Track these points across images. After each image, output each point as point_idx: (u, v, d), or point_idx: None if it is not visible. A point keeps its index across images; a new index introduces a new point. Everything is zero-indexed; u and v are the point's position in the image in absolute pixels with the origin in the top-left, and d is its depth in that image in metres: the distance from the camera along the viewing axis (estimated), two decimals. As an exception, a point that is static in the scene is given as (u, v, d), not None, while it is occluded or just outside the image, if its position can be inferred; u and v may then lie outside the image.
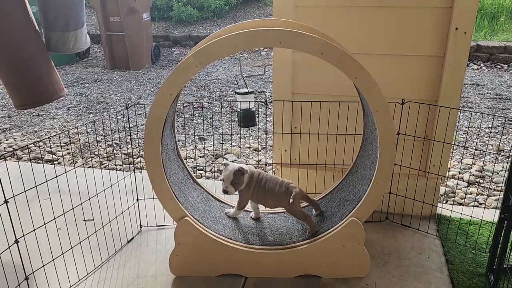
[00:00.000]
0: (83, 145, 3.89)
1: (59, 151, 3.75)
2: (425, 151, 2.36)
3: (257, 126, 3.69)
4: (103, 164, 3.50)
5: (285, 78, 2.38)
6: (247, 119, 2.37)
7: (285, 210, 2.06)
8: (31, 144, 1.90)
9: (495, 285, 1.83)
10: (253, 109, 2.39)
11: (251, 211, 2.17)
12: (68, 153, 3.72)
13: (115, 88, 5.85)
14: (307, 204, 2.16)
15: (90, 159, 3.61)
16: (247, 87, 2.37)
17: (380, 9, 2.17)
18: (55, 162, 3.54)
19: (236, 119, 4.45)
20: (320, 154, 2.46)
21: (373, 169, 1.85)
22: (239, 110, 2.33)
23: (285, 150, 2.53)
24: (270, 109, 4.54)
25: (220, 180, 1.97)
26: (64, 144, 3.89)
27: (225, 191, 1.96)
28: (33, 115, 4.77)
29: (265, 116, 4.31)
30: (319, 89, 2.36)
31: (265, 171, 2.09)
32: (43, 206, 2.27)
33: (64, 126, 4.46)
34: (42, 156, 3.63)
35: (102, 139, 4.04)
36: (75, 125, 4.46)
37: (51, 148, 3.79)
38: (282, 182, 1.99)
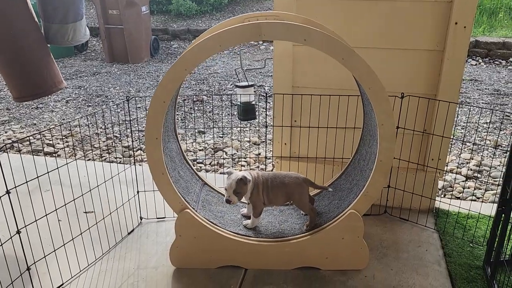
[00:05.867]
0: (82, 138, 3.89)
1: (58, 143, 3.76)
2: (424, 145, 2.38)
3: (257, 120, 3.71)
4: (102, 156, 3.50)
5: (285, 71, 2.39)
6: (247, 112, 2.38)
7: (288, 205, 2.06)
8: (30, 136, 1.90)
9: (492, 278, 1.85)
10: (253, 103, 2.40)
11: (244, 208, 2.16)
12: (67, 146, 3.72)
13: (114, 81, 5.84)
14: (318, 192, 2.17)
15: (90, 151, 3.61)
16: (247, 81, 2.37)
17: (380, 3, 2.17)
18: (54, 155, 3.54)
19: (235, 112, 4.45)
20: (320, 148, 2.47)
21: (373, 163, 1.86)
22: (239, 103, 2.34)
23: (285, 144, 2.55)
24: (269, 103, 4.54)
25: (224, 189, 1.93)
26: (63, 137, 3.89)
27: (228, 201, 1.90)
28: (32, 108, 4.77)
29: (265, 110, 4.31)
30: (319, 82, 2.37)
31: (265, 169, 2.10)
32: (44, 197, 2.28)
33: (63, 119, 4.45)
34: (42, 148, 3.63)
35: (101, 131, 4.04)
36: (75, 118, 4.46)
37: (52, 140, 3.79)
38: (287, 173, 2.01)
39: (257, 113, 2.33)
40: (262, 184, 1.96)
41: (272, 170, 3.09)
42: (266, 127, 2.45)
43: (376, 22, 2.21)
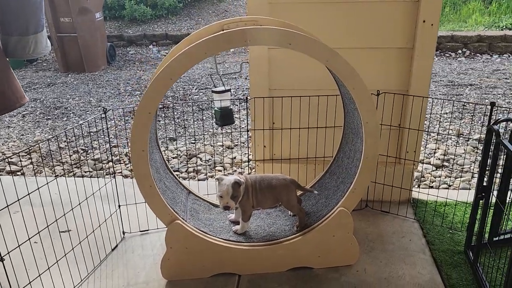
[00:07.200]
0: (47, 154, 3.72)
1: (20, 161, 3.57)
2: (400, 139, 2.46)
3: (235, 124, 3.69)
4: (71, 171, 3.36)
5: (262, 74, 2.39)
6: (225, 117, 2.36)
7: (275, 208, 2.07)
8: (14, 154, 1.79)
9: (476, 261, 1.95)
10: (231, 107, 2.39)
11: (231, 214, 2.14)
12: (31, 163, 3.54)
13: (72, 92, 5.62)
14: (302, 192, 2.20)
15: (58, 166, 3.46)
16: (223, 85, 2.36)
17: (352, 4, 2.23)
18: (18, 173, 3.36)
19: (209, 117, 4.40)
20: (301, 148, 2.49)
21: (358, 160, 1.91)
22: (216, 109, 2.32)
23: (265, 146, 2.55)
24: (237, 106, 4.54)
25: (218, 196, 1.89)
26: (25, 154, 3.70)
27: (227, 207, 1.88)
28: (-14, 125, 4.50)
29: (239, 111, 4.29)
30: (296, 84, 2.40)
31: (249, 172, 2.10)
32: (17, 219, 2.16)
33: (22, 135, 4.23)
34: (4, 167, 3.43)
35: (65, 145, 3.88)
36: (55, 134, 4.25)
37: (14, 158, 3.60)
38: (274, 175, 2.02)
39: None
40: (251, 187, 1.96)
41: (249, 173, 3.10)
42: (248, 131, 2.45)
43: (347, 23, 2.26)
